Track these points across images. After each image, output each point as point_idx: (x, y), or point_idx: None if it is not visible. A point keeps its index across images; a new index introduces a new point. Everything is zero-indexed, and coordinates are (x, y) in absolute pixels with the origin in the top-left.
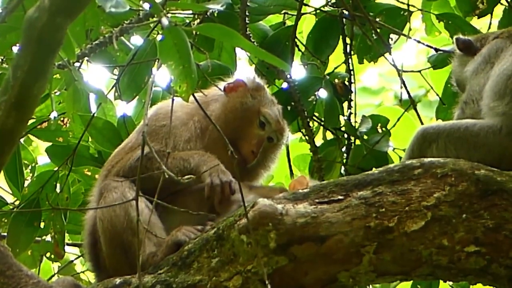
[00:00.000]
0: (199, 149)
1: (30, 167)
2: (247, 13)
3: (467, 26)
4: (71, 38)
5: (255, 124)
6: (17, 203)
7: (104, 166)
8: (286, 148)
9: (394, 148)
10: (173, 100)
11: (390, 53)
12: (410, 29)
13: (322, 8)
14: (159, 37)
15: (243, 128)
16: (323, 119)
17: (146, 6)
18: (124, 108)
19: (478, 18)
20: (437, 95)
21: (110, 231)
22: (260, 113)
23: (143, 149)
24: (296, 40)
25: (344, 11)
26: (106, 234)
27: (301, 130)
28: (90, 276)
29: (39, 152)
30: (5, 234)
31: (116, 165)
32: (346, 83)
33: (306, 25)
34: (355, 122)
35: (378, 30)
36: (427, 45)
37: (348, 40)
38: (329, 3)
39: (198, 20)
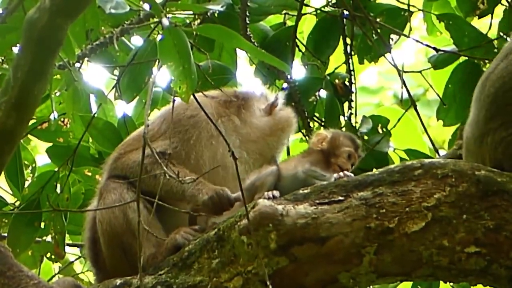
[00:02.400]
0: (223, 147)
1: (30, 167)
2: (247, 14)
3: (468, 27)
4: (71, 39)
5: None
6: (17, 203)
7: (119, 147)
8: (286, 149)
9: (394, 149)
10: (173, 100)
11: (390, 53)
12: (410, 29)
13: (322, 9)
14: (159, 38)
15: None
16: (323, 119)
17: (146, 6)
18: (125, 108)
19: (479, 18)
20: (438, 95)
21: (109, 233)
22: None
23: (143, 151)
24: (296, 40)
25: (345, 11)
26: (105, 235)
27: (302, 131)
28: (90, 277)
29: (37, 151)
30: (6, 234)
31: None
32: (347, 83)
33: (306, 26)
34: (356, 122)
35: (379, 30)
36: (427, 45)
37: (348, 41)
38: (330, 4)
39: (198, 21)
